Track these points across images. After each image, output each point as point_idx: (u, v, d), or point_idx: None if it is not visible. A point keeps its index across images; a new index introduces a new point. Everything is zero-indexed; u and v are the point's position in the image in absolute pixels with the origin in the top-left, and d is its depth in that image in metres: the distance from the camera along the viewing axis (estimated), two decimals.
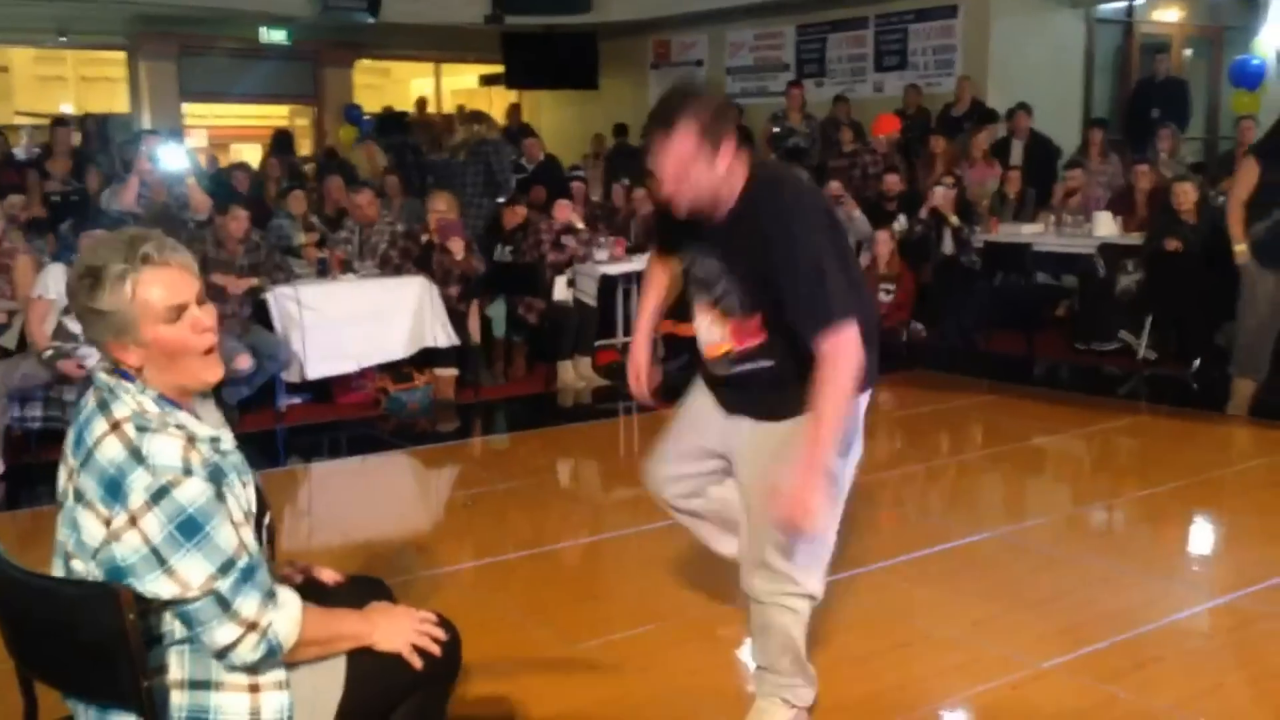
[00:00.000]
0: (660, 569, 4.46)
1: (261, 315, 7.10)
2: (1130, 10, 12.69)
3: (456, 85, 17.48)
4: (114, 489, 1.95)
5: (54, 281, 6.21)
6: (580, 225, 8.35)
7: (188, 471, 1.97)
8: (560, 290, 7.96)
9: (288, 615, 2.04)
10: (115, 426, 2.00)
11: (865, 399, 2.98)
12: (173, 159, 8.15)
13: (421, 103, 15.68)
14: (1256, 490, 5.68)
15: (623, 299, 8.68)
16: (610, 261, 8.33)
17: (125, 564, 1.96)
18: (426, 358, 7.48)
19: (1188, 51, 12.98)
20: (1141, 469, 6.10)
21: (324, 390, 7.36)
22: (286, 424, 6.97)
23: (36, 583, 2.08)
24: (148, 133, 9.67)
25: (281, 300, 7.05)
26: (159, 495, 1.95)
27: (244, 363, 6.66)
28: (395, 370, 7.41)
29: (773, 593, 2.98)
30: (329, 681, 2.16)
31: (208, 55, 14.83)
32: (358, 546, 4.85)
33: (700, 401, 3.14)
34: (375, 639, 2.18)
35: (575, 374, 7.92)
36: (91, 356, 6.21)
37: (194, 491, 1.97)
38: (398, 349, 7.36)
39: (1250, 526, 5.15)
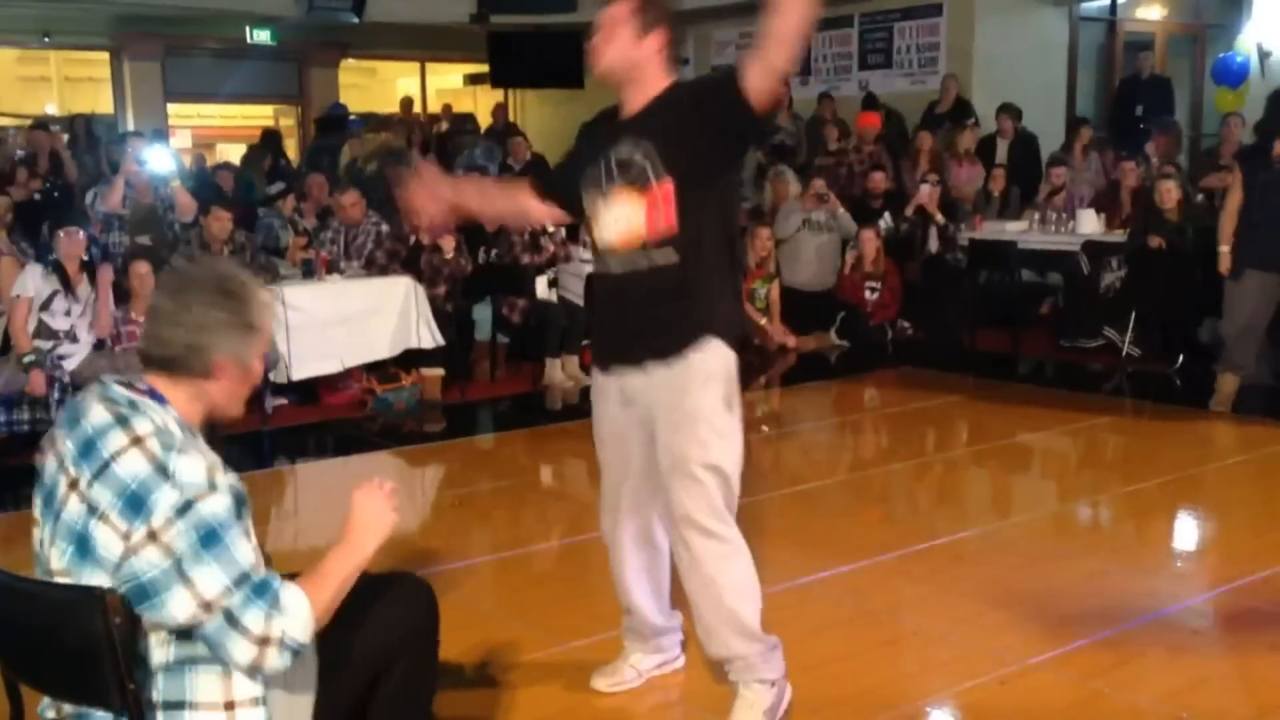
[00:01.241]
0: None
1: None
2: (1114, 8, 12.74)
3: (442, 85, 17.45)
4: (136, 504, 1.97)
5: (32, 280, 6.22)
6: (552, 227, 8.33)
7: (212, 486, 2.00)
8: (542, 290, 7.96)
9: (298, 618, 2.04)
10: (137, 441, 2.01)
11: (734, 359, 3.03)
12: (159, 161, 8.12)
13: (406, 102, 15.65)
14: (1239, 485, 5.71)
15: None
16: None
17: (146, 578, 1.96)
18: (412, 358, 7.48)
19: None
20: (1126, 465, 6.14)
21: (310, 391, 7.35)
22: (273, 425, 6.96)
23: (21, 586, 2.09)
24: (134, 134, 9.63)
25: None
26: (184, 509, 1.97)
27: None
28: (381, 370, 7.40)
29: (711, 557, 3.01)
30: (302, 680, 2.17)
31: (192, 55, 14.79)
32: None
33: (606, 416, 3.18)
34: (370, 552, 2.19)
35: (563, 373, 7.92)
36: (72, 359, 6.20)
37: (218, 505, 2.00)
38: (383, 349, 7.36)
39: (1233, 521, 5.18)
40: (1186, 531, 5.20)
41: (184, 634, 2.03)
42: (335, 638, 2.19)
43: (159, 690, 2.06)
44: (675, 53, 2.99)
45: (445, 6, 13.72)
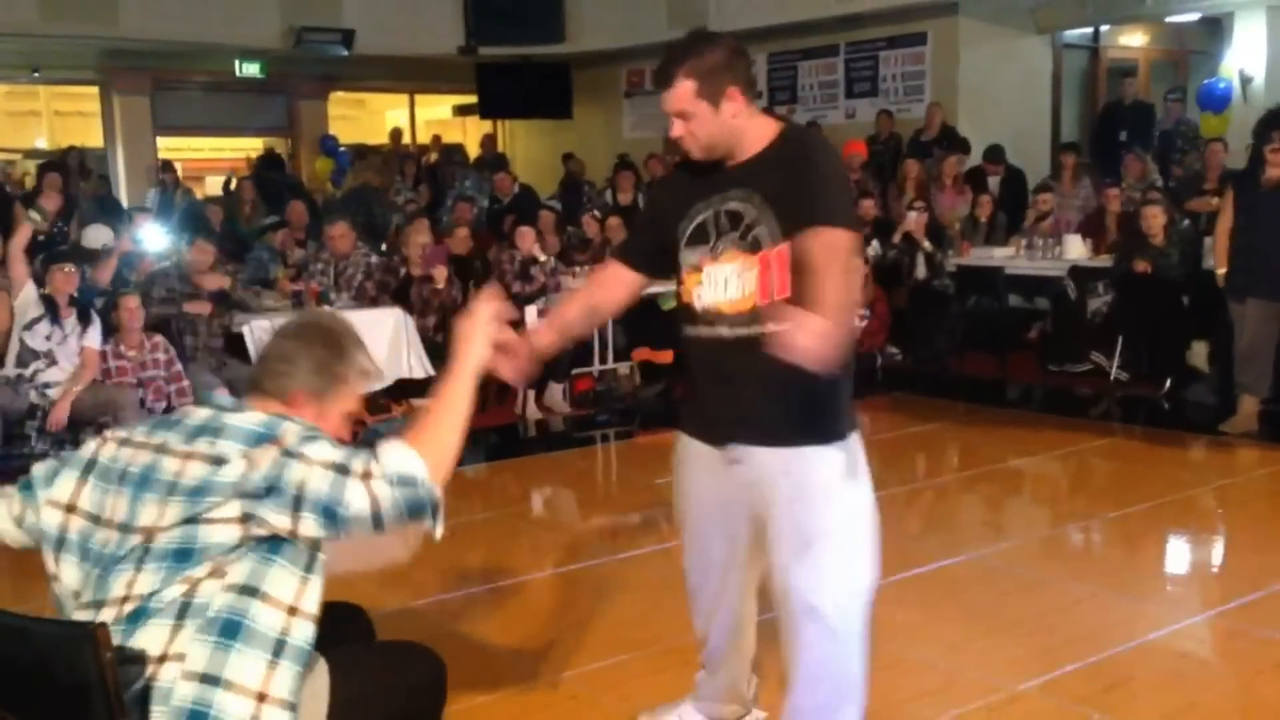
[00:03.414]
0: (637, 597, 4.47)
1: (239, 349, 7.10)
2: (1096, 36, 12.86)
3: (431, 116, 17.53)
4: (263, 438, 2.16)
5: (29, 296, 6.29)
6: (542, 256, 8.36)
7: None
8: (532, 320, 7.96)
9: (392, 448, 2.19)
10: (252, 412, 2.25)
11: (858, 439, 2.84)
12: (155, 240, 8.14)
13: (396, 134, 15.72)
14: (1229, 508, 5.74)
15: (598, 327, 8.69)
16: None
17: (270, 475, 2.12)
18: (403, 389, 7.49)
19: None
20: (1115, 489, 6.15)
21: None
22: None
23: (11, 623, 2.09)
24: (138, 210, 9.69)
25: (258, 333, 7.05)
26: (309, 433, 2.20)
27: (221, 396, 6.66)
28: (372, 402, 7.40)
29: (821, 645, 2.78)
30: (314, 710, 2.20)
31: (182, 89, 14.84)
32: (334, 578, 4.81)
33: (701, 480, 2.96)
34: (466, 376, 2.47)
35: (535, 406, 7.89)
36: (56, 387, 6.18)
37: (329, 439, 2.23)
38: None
39: (1222, 545, 5.21)
40: (1176, 555, 5.22)
41: (241, 598, 2.11)
42: (347, 700, 2.22)
43: (202, 661, 2.08)
44: (754, 87, 2.78)
45: (434, 38, 13.80)
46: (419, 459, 2.19)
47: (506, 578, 4.93)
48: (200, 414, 2.26)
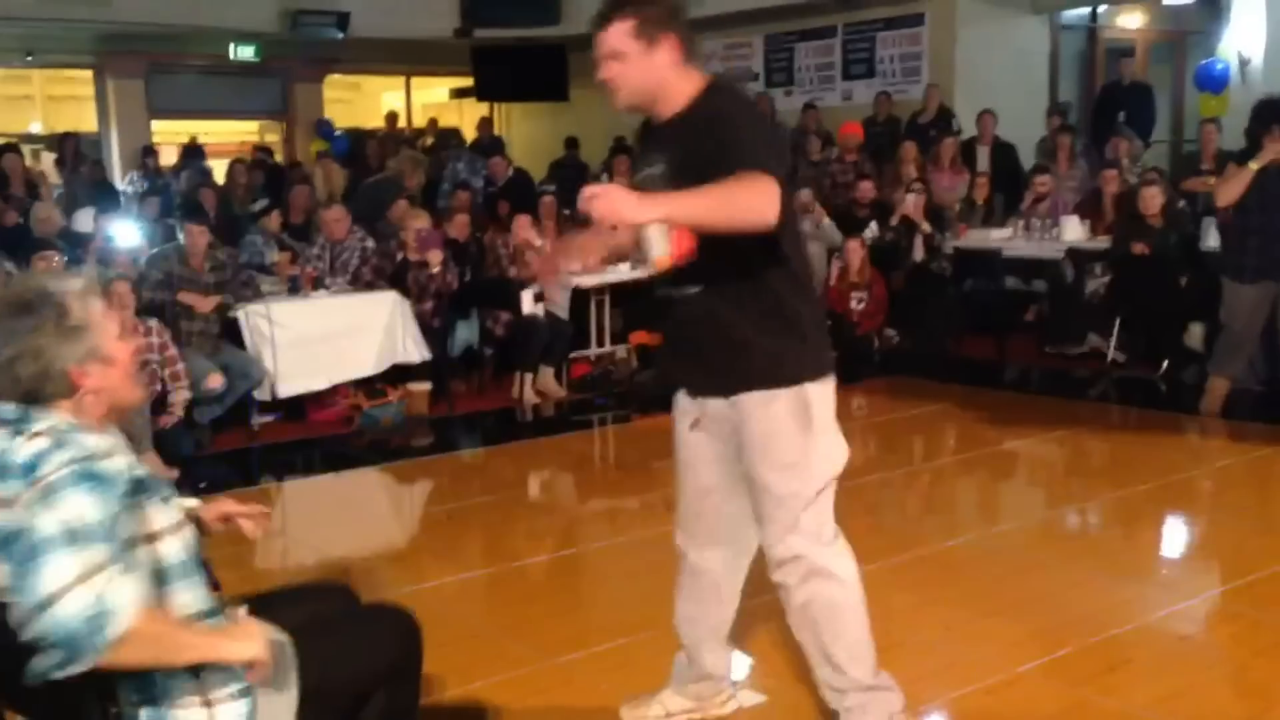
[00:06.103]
0: (637, 581, 4.46)
1: (233, 333, 7.08)
2: (1094, 16, 12.82)
3: (427, 99, 17.47)
4: (30, 470, 1.94)
5: None
6: (539, 241, 8.32)
7: (109, 454, 2.00)
8: (528, 304, 7.94)
9: (130, 589, 1.91)
10: (34, 435, 1.98)
11: (829, 387, 2.89)
12: (126, 236, 8.09)
13: (392, 117, 15.67)
14: (1226, 491, 5.73)
15: (595, 310, 8.68)
16: (582, 273, 8.32)
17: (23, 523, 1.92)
18: (399, 373, 7.47)
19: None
20: (1112, 471, 6.15)
21: (297, 408, 7.33)
22: (260, 442, 6.94)
23: (4, 612, 2.07)
24: (146, 194, 9.66)
25: (253, 318, 7.03)
26: (83, 464, 1.95)
27: (216, 382, 6.65)
28: (368, 386, 7.39)
29: (797, 585, 2.93)
30: (283, 678, 2.18)
31: (176, 72, 14.78)
32: (333, 564, 4.84)
33: (679, 437, 3.04)
34: (221, 652, 2.04)
35: (531, 390, 7.86)
36: None
37: (116, 466, 1.99)
38: (369, 365, 7.34)
39: (1220, 527, 5.20)
40: (1174, 537, 5.22)
41: None
42: (318, 663, 2.20)
43: (135, 691, 2.06)
44: (691, 49, 2.74)
45: (429, 21, 13.74)
46: (131, 615, 1.89)
47: (504, 562, 4.93)
48: None
